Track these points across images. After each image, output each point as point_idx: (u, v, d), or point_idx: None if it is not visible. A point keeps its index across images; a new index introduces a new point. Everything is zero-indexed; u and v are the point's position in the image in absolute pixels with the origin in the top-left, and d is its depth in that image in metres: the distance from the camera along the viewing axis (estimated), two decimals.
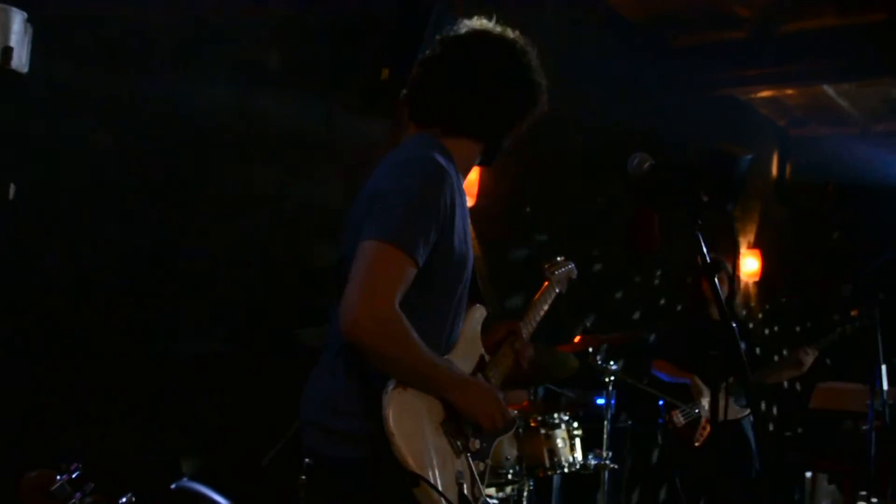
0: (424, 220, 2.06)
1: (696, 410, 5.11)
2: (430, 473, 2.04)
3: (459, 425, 2.17)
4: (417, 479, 2.00)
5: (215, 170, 4.07)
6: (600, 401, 5.65)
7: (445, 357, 2.21)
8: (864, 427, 6.55)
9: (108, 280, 3.68)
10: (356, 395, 2.09)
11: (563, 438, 4.28)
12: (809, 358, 5.23)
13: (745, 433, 5.23)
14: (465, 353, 2.31)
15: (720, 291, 2.67)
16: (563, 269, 2.99)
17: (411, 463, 2.00)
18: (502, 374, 2.44)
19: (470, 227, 2.31)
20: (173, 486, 2.68)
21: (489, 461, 2.28)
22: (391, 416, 2.01)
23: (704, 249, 2.64)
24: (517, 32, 2.34)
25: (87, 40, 3.57)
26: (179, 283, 3.93)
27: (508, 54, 2.28)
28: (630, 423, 5.92)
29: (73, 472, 2.15)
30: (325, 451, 2.13)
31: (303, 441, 2.19)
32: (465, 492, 2.13)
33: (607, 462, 4.56)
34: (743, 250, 9.13)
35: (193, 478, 3.14)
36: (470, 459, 2.19)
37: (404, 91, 2.34)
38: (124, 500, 2.21)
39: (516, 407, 4.54)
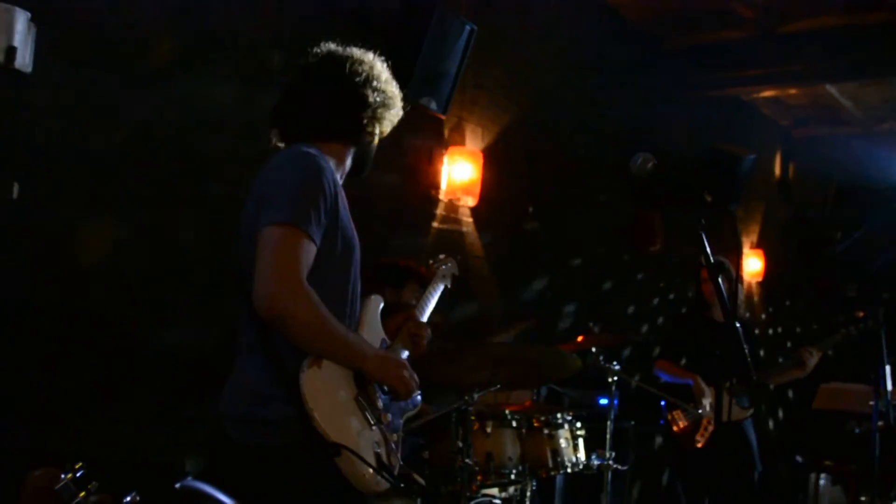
0: (312, 201, 2.22)
1: (700, 411, 5.11)
2: (350, 443, 2.20)
3: (371, 399, 2.34)
4: (339, 448, 2.15)
5: (217, 170, 4.08)
6: (603, 401, 5.65)
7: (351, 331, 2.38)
8: (857, 430, 6.56)
9: (111, 279, 3.69)
10: (277, 382, 2.21)
11: (567, 438, 4.27)
12: (813, 359, 5.22)
13: (746, 434, 5.23)
14: (367, 336, 2.50)
15: (723, 292, 2.67)
16: (446, 266, 3.20)
17: (332, 435, 2.16)
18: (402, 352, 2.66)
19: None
20: (178, 486, 2.68)
21: (401, 433, 2.48)
22: (308, 393, 2.16)
23: (708, 249, 2.64)
24: (365, 52, 2.57)
25: (90, 40, 3.57)
26: (183, 282, 3.94)
27: (353, 67, 2.50)
28: (633, 423, 5.91)
29: (78, 472, 2.16)
30: (260, 441, 2.24)
31: (233, 436, 2.29)
32: (384, 459, 2.31)
33: (610, 462, 4.55)
34: (746, 250, 9.13)
35: (198, 477, 3.14)
36: (384, 430, 2.37)
37: (270, 117, 2.56)
38: (128, 499, 2.22)
39: (519, 407, 4.53)
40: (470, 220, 5.62)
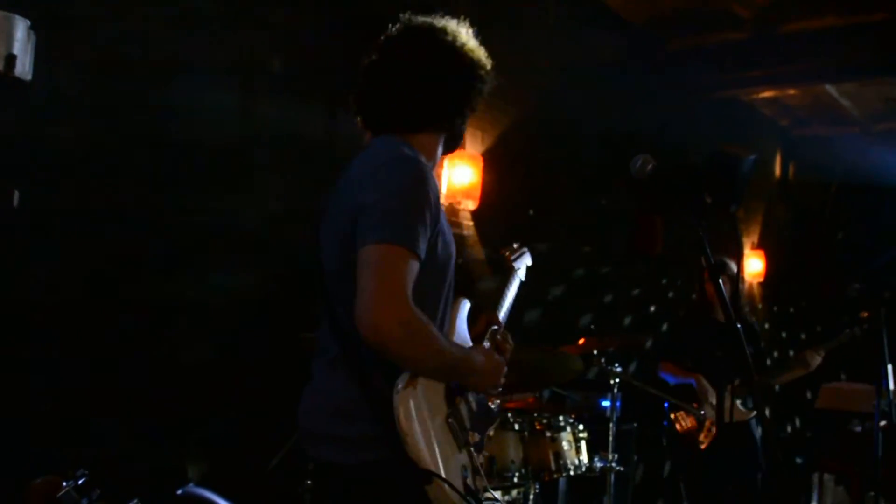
0: (419, 215, 2.06)
1: (702, 412, 5.10)
2: (441, 469, 2.06)
3: (461, 420, 2.21)
4: (430, 477, 2.02)
5: (217, 175, 4.08)
6: (605, 403, 5.64)
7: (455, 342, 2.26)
8: (857, 429, 6.55)
9: (113, 286, 3.69)
10: (363, 400, 2.09)
11: (569, 441, 4.27)
12: (818, 359, 5.23)
13: (752, 434, 5.22)
14: (457, 341, 2.35)
15: (724, 293, 2.66)
16: (521, 257, 3.07)
17: (425, 460, 2.02)
18: None
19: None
20: (179, 492, 2.68)
21: (486, 453, 2.31)
22: (402, 415, 2.02)
23: (708, 251, 2.64)
24: (448, 19, 2.36)
25: (90, 47, 3.58)
26: (183, 287, 3.94)
27: (437, 43, 2.29)
28: (635, 425, 5.91)
29: (80, 479, 2.15)
30: (336, 459, 2.13)
31: (310, 454, 2.19)
32: (471, 483, 2.17)
33: (613, 464, 4.55)
34: (747, 251, 9.12)
35: (199, 483, 3.14)
36: (473, 452, 2.23)
37: (351, 101, 2.37)
38: None
39: (522, 404, 4.53)
40: (471, 223, 5.62)
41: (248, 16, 4.22)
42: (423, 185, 2.10)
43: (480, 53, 2.35)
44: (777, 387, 5.68)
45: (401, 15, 2.36)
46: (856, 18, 6.70)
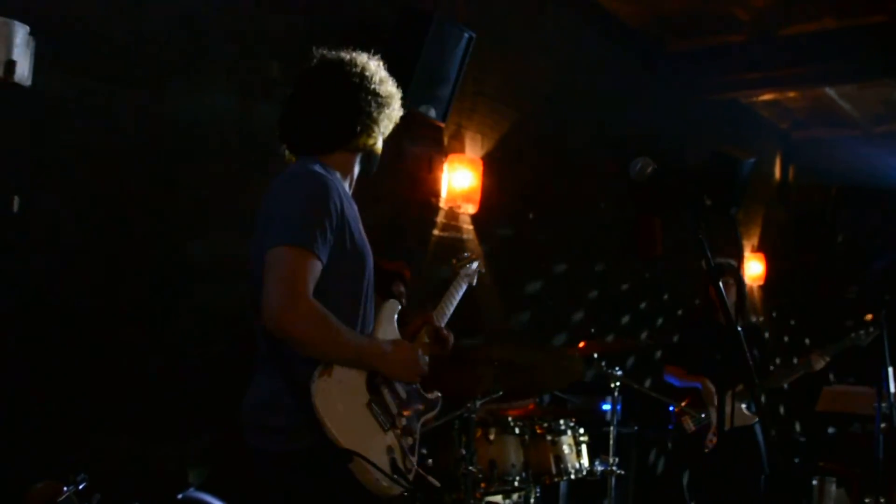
0: (317, 220, 2.28)
1: (702, 415, 5.10)
2: (361, 449, 2.24)
3: (384, 404, 2.41)
4: (350, 455, 2.20)
5: (216, 179, 4.08)
6: (606, 406, 5.64)
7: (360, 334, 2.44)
8: (857, 431, 6.55)
9: (112, 290, 3.69)
10: (287, 392, 2.28)
11: (570, 444, 4.27)
12: (822, 363, 5.23)
13: (755, 439, 5.21)
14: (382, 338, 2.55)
15: (725, 296, 2.66)
16: (470, 265, 3.28)
17: (342, 441, 2.21)
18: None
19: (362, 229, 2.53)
20: (180, 497, 2.68)
21: (416, 436, 2.52)
22: (319, 402, 2.22)
23: (708, 253, 2.64)
24: (358, 54, 2.59)
25: (89, 53, 3.58)
26: (183, 291, 3.94)
27: (343, 74, 2.53)
28: (636, 428, 5.90)
29: (80, 484, 2.15)
30: (270, 447, 2.32)
31: (247, 442, 2.39)
32: (398, 464, 2.35)
33: (614, 468, 4.55)
34: (747, 254, 9.12)
35: (200, 488, 3.14)
36: (398, 434, 2.42)
37: (277, 131, 2.62)
38: None
39: (522, 411, 4.53)
40: (470, 227, 5.62)
41: (246, 22, 4.22)
42: (323, 194, 2.32)
43: (385, 86, 2.58)
44: (785, 386, 5.65)
45: (315, 50, 2.60)
46: (855, 21, 6.71)
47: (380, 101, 2.55)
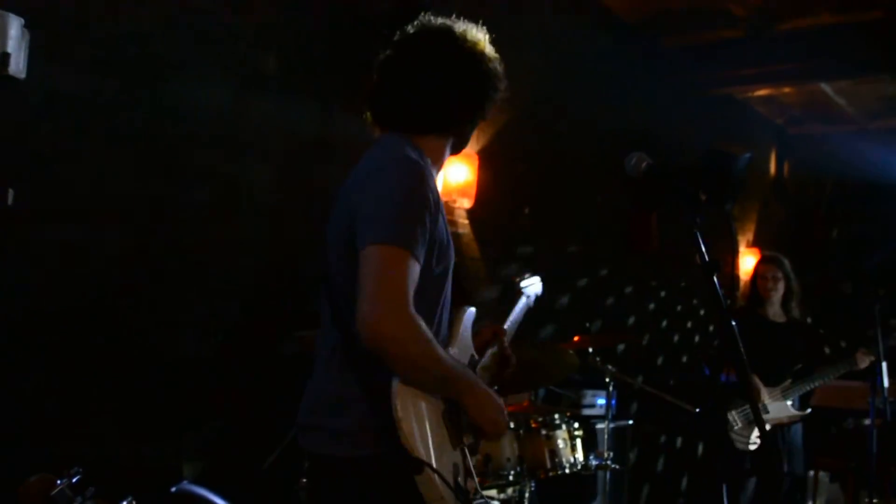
0: (416, 217, 2.05)
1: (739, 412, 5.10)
2: (433, 461, 2.05)
3: (458, 418, 2.19)
4: (422, 466, 2.01)
5: (212, 173, 4.08)
6: (601, 401, 5.65)
7: (456, 358, 2.23)
8: (849, 426, 6.57)
9: (106, 284, 3.68)
10: (360, 389, 2.09)
11: (564, 439, 4.28)
12: (867, 361, 5.25)
13: (794, 437, 5.25)
14: (460, 352, 2.34)
15: (720, 289, 2.66)
16: (531, 284, 3.13)
17: (419, 448, 2.02)
18: (490, 376, 2.49)
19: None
20: (173, 489, 2.68)
21: (479, 456, 2.30)
22: (399, 403, 2.01)
23: (703, 248, 2.64)
24: (467, 23, 2.34)
25: (84, 46, 3.57)
26: (178, 286, 3.93)
27: (457, 47, 2.28)
28: (630, 422, 5.91)
29: (74, 477, 2.15)
30: (330, 452, 2.12)
31: (303, 445, 2.19)
32: (461, 482, 2.15)
33: (608, 462, 4.56)
34: (742, 249, 9.14)
35: (194, 481, 3.14)
36: (466, 452, 2.21)
37: (363, 96, 2.35)
38: (125, 503, 2.21)
39: (517, 408, 4.53)
40: (466, 221, 5.62)
41: (241, 15, 4.22)
42: (422, 187, 2.09)
43: (497, 63, 2.35)
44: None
45: (420, 14, 2.34)
46: (850, 16, 6.71)
47: (491, 86, 2.31)
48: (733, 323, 2.51)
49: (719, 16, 6.91)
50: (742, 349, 2.56)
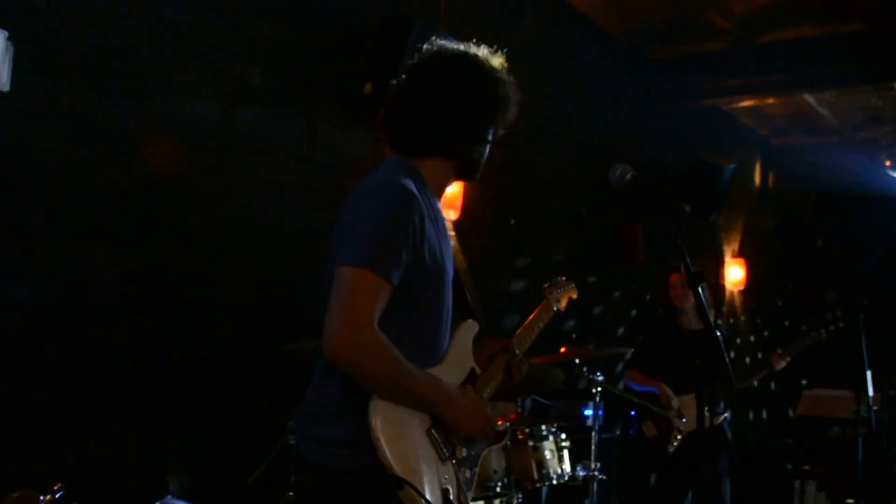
0: (394, 241, 2.12)
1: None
2: (415, 478, 2.10)
3: (447, 433, 2.23)
4: (402, 483, 2.06)
5: (198, 185, 4.07)
6: (588, 412, 5.65)
7: (431, 372, 2.25)
8: (835, 434, 6.62)
9: (93, 298, 3.66)
10: (345, 405, 2.14)
11: (551, 450, 4.27)
12: (783, 363, 5.32)
13: (725, 435, 5.31)
14: (455, 366, 2.36)
15: (705, 301, 2.67)
16: (562, 289, 3.11)
17: (395, 467, 2.07)
18: (494, 388, 2.49)
19: (451, 244, 2.37)
20: None
21: (476, 469, 2.33)
22: (377, 422, 2.08)
23: (688, 259, 2.65)
24: (481, 47, 2.39)
25: (68, 58, 3.56)
26: (165, 299, 3.92)
27: (464, 73, 2.34)
28: (618, 433, 5.92)
29: (57, 493, 2.13)
30: (318, 461, 2.18)
31: (301, 452, 2.24)
32: (451, 497, 2.19)
33: (596, 473, 4.55)
34: (727, 259, 9.17)
35: (179, 496, 3.12)
36: (455, 467, 2.24)
37: (381, 118, 2.42)
38: None
39: (504, 419, 4.53)
40: (452, 233, 5.63)
41: (227, 27, 4.21)
42: (402, 210, 2.15)
43: (506, 89, 2.39)
44: (756, 383, 5.72)
45: (433, 39, 2.40)
46: (834, 28, 6.76)
47: (486, 109, 2.34)
48: (718, 334, 2.52)
49: (704, 27, 6.95)
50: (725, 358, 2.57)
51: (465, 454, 2.28)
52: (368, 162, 4.96)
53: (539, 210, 6.43)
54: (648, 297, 7.77)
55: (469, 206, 5.56)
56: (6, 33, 3.16)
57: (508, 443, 4.11)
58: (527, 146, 6.30)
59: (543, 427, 4.30)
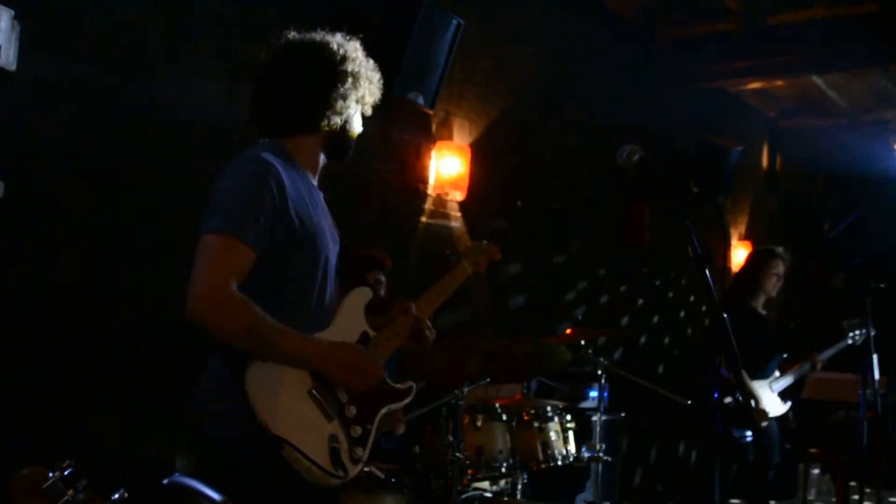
0: (247, 206, 2.22)
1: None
2: (295, 437, 2.18)
3: (331, 392, 2.31)
4: (281, 443, 2.14)
5: (202, 165, 4.06)
6: (593, 393, 5.66)
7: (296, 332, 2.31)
8: (841, 417, 6.64)
9: (98, 275, 3.67)
10: (230, 377, 2.24)
11: (557, 431, 4.28)
12: (820, 366, 5.34)
13: (776, 427, 5.33)
14: (342, 330, 2.43)
15: (711, 284, 2.66)
16: (481, 252, 3.11)
17: (274, 428, 2.15)
18: (391, 349, 2.55)
19: (330, 219, 2.47)
20: (165, 482, 2.68)
21: (370, 426, 2.37)
22: (252, 388, 2.18)
23: (695, 241, 2.65)
24: (327, 34, 2.51)
25: (74, 37, 3.56)
26: (171, 277, 3.92)
27: (302, 52, 2.47)
28: (623, 414, 5.92)
29: (66, 470, 2.14)
30: (211, 432, 2.30)
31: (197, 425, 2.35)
32: (342, 456, 2.25)
33: (601, 454, 4.56)
34: (734, 242, 9.15)
35: (186, 473, 3.13)
36: (342, 424, 2.30)
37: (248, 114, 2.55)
38: (116, 496, 2.21)
39: (509, 401, 4.54)
40: (458, 214, 5.62)
41: (233, 7, 4.20)
42: (258, 179, 2.25)
43: (347, 62, 2.47)
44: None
45: (284, 31, 2.53)
46: (843, 10, 6.72)
47: (339, 83, 2.44)
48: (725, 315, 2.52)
49: (712, 9, 6.92)
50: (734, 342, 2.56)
51: (353, 412, 2.33)
52: (375, 141, 4.96)
53: (546, 191, 6.42)
54: (651, 276, 7.77)
55: (476, 188, 5.56)
56: (12, 12, 3.16)
57: (514, 423, 4.12)
58: (534, 128, 6.29)
59: (549, 408, 4.31)
